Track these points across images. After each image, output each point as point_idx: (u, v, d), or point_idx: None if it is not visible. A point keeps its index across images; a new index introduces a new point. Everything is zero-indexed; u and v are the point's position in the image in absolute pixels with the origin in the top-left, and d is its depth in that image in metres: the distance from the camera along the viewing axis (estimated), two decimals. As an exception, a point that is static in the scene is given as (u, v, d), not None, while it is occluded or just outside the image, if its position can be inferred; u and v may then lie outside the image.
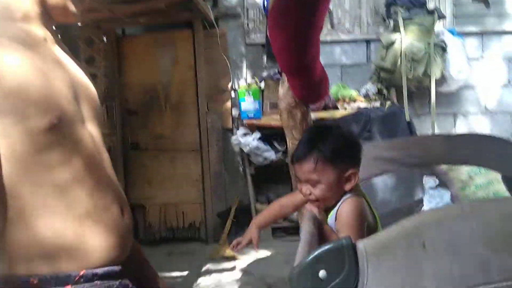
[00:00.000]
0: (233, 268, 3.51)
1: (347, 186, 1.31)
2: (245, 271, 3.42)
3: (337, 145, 1.31)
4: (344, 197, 1.32)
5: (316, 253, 0.74)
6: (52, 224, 0.85)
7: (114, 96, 4.20)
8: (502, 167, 1.75)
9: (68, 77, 0.93)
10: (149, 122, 4.30)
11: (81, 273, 0.87)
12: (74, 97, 0.93)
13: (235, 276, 3.36)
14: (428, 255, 0.72)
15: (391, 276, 0.73)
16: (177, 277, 3.47)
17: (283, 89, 1.82)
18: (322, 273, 0.73)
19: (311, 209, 1.36)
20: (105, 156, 0.99)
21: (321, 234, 1.26)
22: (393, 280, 0.73)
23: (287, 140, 1.90)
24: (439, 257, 0.72)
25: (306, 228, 1.18)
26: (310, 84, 1.76)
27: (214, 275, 3.40)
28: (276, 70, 4.17)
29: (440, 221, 0.73)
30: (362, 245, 0.74)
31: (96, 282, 0.88)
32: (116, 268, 0.92)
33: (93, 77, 3.96)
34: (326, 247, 0.74)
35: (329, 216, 1.35)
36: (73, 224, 0.87)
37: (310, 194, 1.33)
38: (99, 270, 0.89)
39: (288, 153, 1.95)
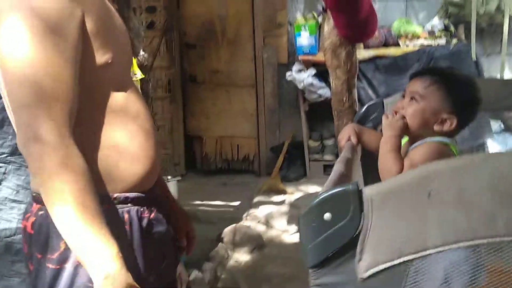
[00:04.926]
0: (282, 202, 3.62)
1: (436, 127, 1.26)
2: (294, 205, 3.52)
3: (460, 88, 1.26)
4: (428, 139, 1.28)
5: (322, 196, 0.77)
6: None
7: (173, 29, 4.25)
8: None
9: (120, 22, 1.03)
10: (206, 56, 4.34)
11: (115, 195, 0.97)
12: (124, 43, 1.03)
13: (284, 209, 3.47)
14: (433, 205, 0.72)
15: (395, 221, 0.74)
16: (230, 206, 3.65)
17: (328, 27, 1.76)
18: (327, 216, 0.76)
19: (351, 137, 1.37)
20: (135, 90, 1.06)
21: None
22: (397, 225, 0.74)
23: (331, 80, 1.86)
24: (445, 207, 0.72)
25: (340, 159, 1.20)
26: (356, 21, 1.69)
27: (264, 207, 3.53)
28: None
29: (448, 171, 0.72)
30: (368, 190, 0.75)
31: (128, 205, 0.98)
32: (145, 194, 1.01)
33: (153, 9, 4.01)
34: (333, 191, 0.77)
35: (403, 140, 1.31)
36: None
37: (403, 108, 1.30)
38: (130, 194, 0.98)
39: (332, 93, 1.91)
